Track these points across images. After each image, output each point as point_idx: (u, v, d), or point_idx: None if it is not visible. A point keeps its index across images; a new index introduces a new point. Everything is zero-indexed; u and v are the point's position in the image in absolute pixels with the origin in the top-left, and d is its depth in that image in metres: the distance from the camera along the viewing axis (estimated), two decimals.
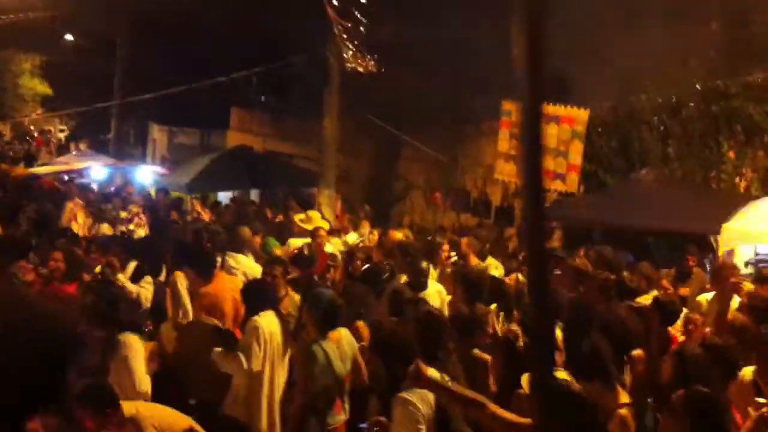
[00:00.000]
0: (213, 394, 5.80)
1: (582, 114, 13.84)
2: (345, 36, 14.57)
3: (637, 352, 5.91)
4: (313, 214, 10.68)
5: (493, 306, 6.45)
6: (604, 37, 12.87)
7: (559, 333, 6.28)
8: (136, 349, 5.41)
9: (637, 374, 5.80)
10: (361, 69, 14.81)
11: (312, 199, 16.44)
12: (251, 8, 18.42)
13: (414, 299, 6.41)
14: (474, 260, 8.39)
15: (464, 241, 8.85)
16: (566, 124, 14.07)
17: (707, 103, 13.45)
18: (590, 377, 4.64)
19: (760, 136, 13.00)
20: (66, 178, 19.06)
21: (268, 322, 5.70)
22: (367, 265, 7.92)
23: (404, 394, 4.19)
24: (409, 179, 17.96)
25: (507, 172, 14.71)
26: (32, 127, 31.98)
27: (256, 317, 5.71)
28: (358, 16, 14.59)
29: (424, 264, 7.50)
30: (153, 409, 4.62)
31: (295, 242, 9.48)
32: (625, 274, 7.42)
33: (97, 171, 20.56)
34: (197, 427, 4.65)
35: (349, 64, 14.87)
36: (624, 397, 4.65)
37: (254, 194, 19.42)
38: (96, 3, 23.46)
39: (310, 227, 9.60)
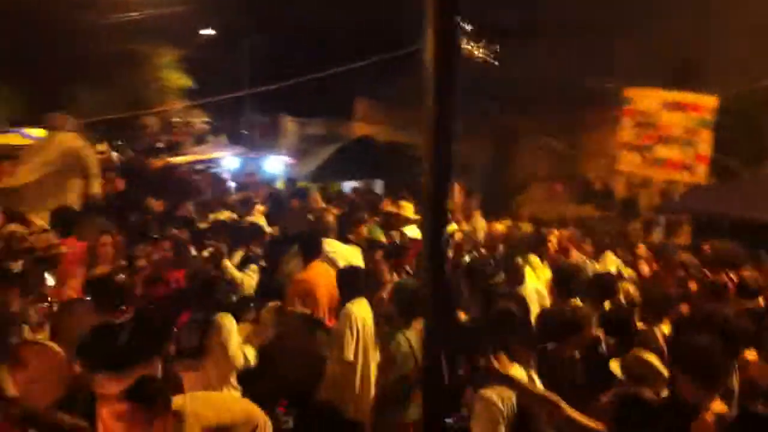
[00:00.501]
0: (306, 379, 5.93)
1: (709, 101, 13.13)
2: (462, 22, 14.40)
3: (749, 354, 5.59)
4: (406, 204, 10.67)
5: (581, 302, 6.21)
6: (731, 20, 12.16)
7: (666, 329, 6.04)
8: (231, 330, 5.60)
9: (747, 378, 5.48)
10: (478, 55, 14.62)
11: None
12: None
13: (506, 294, 6.28)
14: (576, 254, 8.15)
15: (565, 234, 8.63)
16: (693, 112, 13.37)
17: None
18: (694, 378, 4.43)
19: None
20: (200, 168, 19.97)
21: (360, 309, 5.77)
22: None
23: (484, 390, 4.13)
24: (529, 169, 17.63)
25: (630, 162, 14.14)
26: (175, 119, 33.58)
27: (348, 304, 5.80)
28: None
29: (529, 257, 7.38)
30: (206, 403, 4.70)
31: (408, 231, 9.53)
32: (746, 272, 7.01)
33: (229, 161, 21.44)
34: (265, 422, 4.72)
35: (465, 51, 14.70)
36: (719, 406, 4.40)
37: (378, 184, 19.65)
38: None
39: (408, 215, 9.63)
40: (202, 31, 30.85)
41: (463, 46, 15.35)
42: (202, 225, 9.29)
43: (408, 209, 10.46)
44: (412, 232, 9.65)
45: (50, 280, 6.54)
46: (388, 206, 10.98)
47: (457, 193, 15.21)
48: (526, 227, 10.17)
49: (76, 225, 7.78)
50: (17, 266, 6.29)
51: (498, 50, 15.40)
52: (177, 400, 4.45)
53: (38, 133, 18.59)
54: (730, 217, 11.66)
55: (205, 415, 4.47)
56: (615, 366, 4.97)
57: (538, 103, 16.18)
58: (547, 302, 6.85)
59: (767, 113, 13.29)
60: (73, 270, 6.85)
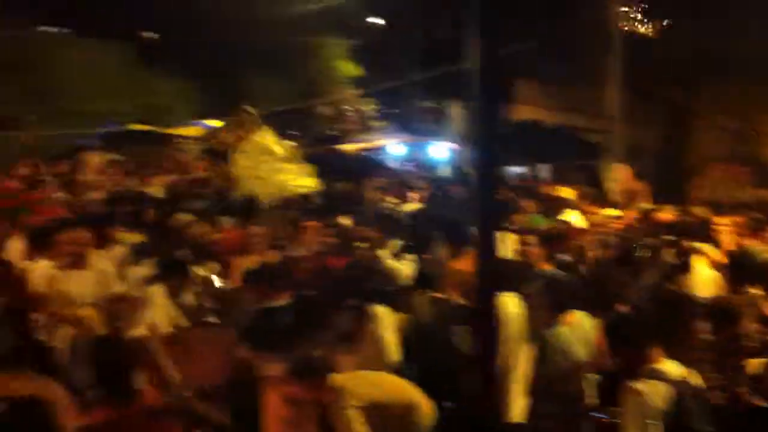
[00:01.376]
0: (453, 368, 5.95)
1: None
2: None
3: None
4: (564, 189, 10.39)
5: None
6: None
7: None
8: (385, 320, 5.75)
9: None
10: (643, 30, 13.95)
11: (599, 174, 15.91)
12: None
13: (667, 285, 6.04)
14: (747, 241, 7.65)
15: (741, 220, 8.11)
16: None
17: None
18: None
19: None
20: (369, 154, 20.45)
21: (506, 302, 5.71)
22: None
23: (635, 384, 4.03)
24: (704, 151, 16.63)
25: None
26: (346, 108, 34.49)
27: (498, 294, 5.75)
28: None
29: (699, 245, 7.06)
30: (366, 382, 4.83)
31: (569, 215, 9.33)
32: None
33: (397, 148, 21.81)
34: (421, 402, 4.79)
35: (629, 26, 14.06)
36: None
37: (545, 169, 19.31)
38: None
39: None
40: (371, 20, 31.49)
41: (628, 23, 14.72)
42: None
43: (567, 194, 10.23)
44: (575, 218, 9.45)
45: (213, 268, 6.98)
46: (547, 191, 10.76)
47: (624, 176, 14.70)
48: (699, 212, 9.62)
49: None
50: (180, 254, 6.77)
51: (665, 24, 14.58)
52: (335, 378, 4.68)
53: (219, 124, 19.81)
54: None
55: (360, 393, 4.67)
56: None
57: (711, 81, 15.23)
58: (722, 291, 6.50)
59: None
60: (236, 257, 7.26)
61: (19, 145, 17.48)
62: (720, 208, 10.56)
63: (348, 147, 21.72)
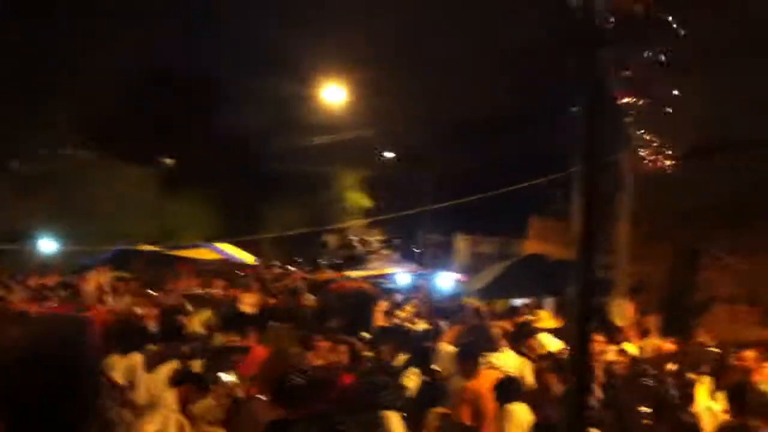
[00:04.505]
0: None
1: None
2: (641, 135, 14.39)
3: None
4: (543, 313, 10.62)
5: None
6: None
7: None
8: (397, 428, 5.82)
9: None
10: (657, 169, 14.46)
11: (605, 307, 16.04)
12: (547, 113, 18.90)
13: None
14: (758, 376, 7.75)
15: (749, 354, 8.24)
16: None
17: None
18: None
19: None
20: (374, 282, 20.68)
21: (521, 411, 5.82)
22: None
23: None
24: (711, 290, 16.80)
25: None
26: (353, 237, 35.07)
27: (508, 405, 5.88)
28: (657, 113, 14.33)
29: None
30: None
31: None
32: None
33: (402, 277, 22.08)
34: None
35: (642, 166, 14.60)
36: None
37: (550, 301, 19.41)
38: (408, 119, 25.71)
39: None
40: (385, 153, 32.58)
41: (641, 163, 15.28)
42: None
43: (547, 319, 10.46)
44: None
45: (229, 377, 7.07)
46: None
47: (629, 311, 14.84)
48: (702, 347, 9.79)
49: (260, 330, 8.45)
50: (197, 365, 6.90)
51: (678, 164, 15.12)
52: None
53: (228, 248, 20.25)
54: None
55: None
56: None
57: (721, 222, 15.60)
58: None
59: None
60: (252, 370, 7.35)
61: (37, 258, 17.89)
62: (726, 347, 10.67)
63: (354, 274, 21.98)
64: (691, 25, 13.09)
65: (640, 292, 16.40)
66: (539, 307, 15.38)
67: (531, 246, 23.28)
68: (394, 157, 33.10)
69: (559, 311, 15.28)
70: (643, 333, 12.40)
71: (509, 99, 21.47)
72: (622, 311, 14.92)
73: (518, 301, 18.18)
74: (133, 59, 23.63)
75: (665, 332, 12.76)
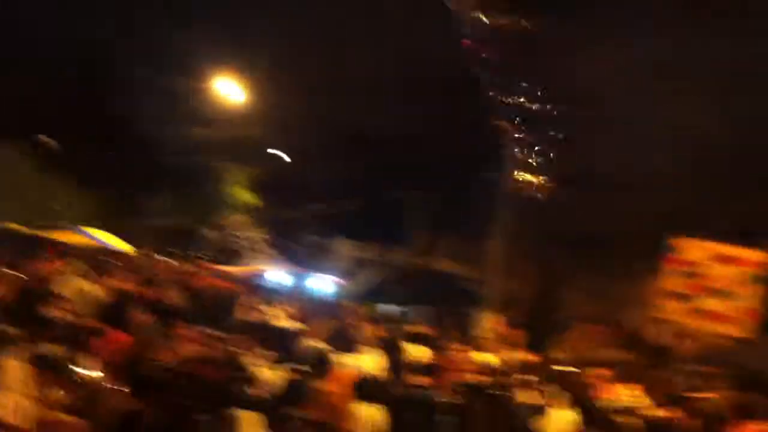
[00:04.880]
0: None
1: (760, 256, 13.16)
2: (520, 157, 14.94)
3: None
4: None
5: None
6: None
7: None
8: (250, 426, 5.81)
9: None
10: (533, 191, 15.06)
11: (470, 321, 16.52)
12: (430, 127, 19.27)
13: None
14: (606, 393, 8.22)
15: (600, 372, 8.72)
16: (743, 266, 13.38)
17: None
18: None
19: None
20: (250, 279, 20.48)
21: (372, 410, 5.94)
22: None
23: None
24: (572, 309, 17.61)
25: (674, 311, 14.06)
26: (235, 232, 34.61)
27: (357, 405, 6.00)
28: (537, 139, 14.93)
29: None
30: None
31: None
32: None
33: (278, 275, 21.97)
34: None
35: (519, 186, 15.19)
36: None
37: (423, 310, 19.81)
38: (298, 119, 25.66)
39: None
40: (273, 151, 32.30)
41: (518, 184, 15.87)
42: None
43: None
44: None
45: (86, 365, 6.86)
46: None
47: (499, 324, 15.35)
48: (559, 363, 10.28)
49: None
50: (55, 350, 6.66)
51: (555, 191, 15.80)
52: None
53: (102, 235, 19.62)
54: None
55: None
56: None
57: (587, 247, 16.36)
58: None
59: None
60: (111, 357, 7.17)
61: None
62: (581, 364, 11.20)
63: (232, 270, 21.73)
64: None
65: (509, 307, 16.97)
66: (414, 315, 15.69)
67: (413, 257, 23.69)
68: (284, 158, 32.89)
69: (432, 321, 15.66)
70: (511, 345, 12.81)
71: (398, 112, 21.77)
72: (490, 324, 15.42)
73: (392, 308, 18.52)
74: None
75: (528, 347, 13.23)
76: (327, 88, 23.37)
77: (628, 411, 7.76)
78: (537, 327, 16.40)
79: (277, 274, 21.87)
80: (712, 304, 13.53)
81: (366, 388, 6.20)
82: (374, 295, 16.83)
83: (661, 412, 8.38)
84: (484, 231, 16.96)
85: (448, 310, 16.87)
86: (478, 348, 10.94)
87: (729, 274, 13.42)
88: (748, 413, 7.16)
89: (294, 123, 26.50)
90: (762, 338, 13.13)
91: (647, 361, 14.22)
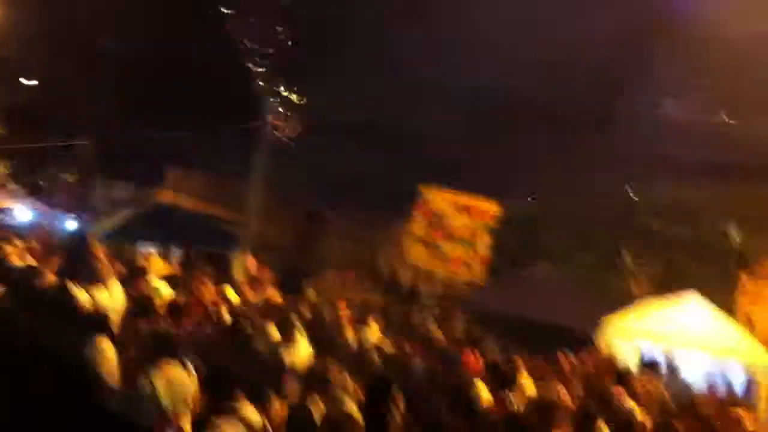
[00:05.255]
0: None
1: (492, 207, 14.41)
2: (276, 101, 15.02)
3: None
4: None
5: None
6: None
7: None
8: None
9: None
10: (288, 136, 15.22)
11: (224, 262, 16.50)
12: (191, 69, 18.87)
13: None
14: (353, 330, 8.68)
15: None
16: (478, 216, 14.57)
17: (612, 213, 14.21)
18: None
19: (659, 247, 13.67)
20: None
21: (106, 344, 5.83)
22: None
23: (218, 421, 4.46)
24: (326, 254, 18.17)
25: (419, 256, 15.08)
26: None
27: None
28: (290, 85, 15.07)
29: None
30: None
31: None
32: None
33: (21, 212, 20.55)
34: None
35: (276, 131, 15.29)
36: None
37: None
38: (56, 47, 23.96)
39: None
40: (23, 80, 29.73)
41: (275, 128, 15.93)
42: None
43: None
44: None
45: None
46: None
47: (251, 266, 15.48)
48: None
49: None
50: None
51: (313, 135, 16.06)
52: None
53: None
54: (496, 314, 12.61)
55: None
56: None
57: (344, 192, 16.86)
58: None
59: (535, 223, 14.74)
60: None
61: None
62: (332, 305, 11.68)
63: None
64: None
65: (265, 250, 17.16)
66: (162, 254, 15.37)
67: (167, 196, 23.07)
68: (34, 85, 30.35)
69: (184, 261, 15.47)
70: (262, 287, 12.98)
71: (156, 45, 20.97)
72: (244, 265, 15.50)
73: (143, 247, 17.99)
74: None
75: (282, 289, 13.49)
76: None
77: (372, 348, 8.25)
78: (293, 270, 16.78)
79: (19, 210, 20.41)
80: (452, 249, 14.66)
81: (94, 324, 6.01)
82: (126, 234, 16.19)
83: (401, 348, 9.01)
84: (243, 174, 16.95)
85: (202, 251, 16.71)
86: (229, 289, 11.00)
87: (468, 223, 14.54)
88: (475, 345, 7.94)
89: (47, 50, 24.65)
90: (489, 281, 14.39)
91: (396, 302, 15.14)
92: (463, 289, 14.32)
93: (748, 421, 5.91)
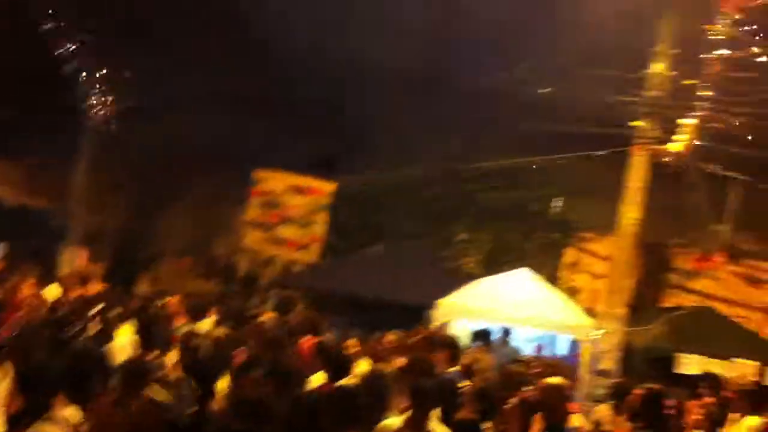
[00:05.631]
0: None
1: (328, 186, 14.47)
2: (94, 81, 14.32)
3: None
4: None
5: None
6: None
7: None
8: None
9: None
10: (107, 117, 14.59)
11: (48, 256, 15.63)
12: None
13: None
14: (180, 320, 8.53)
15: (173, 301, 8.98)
16: (312, 196, 14.62)
17: (446, 185, 14.57)
18: None
19: (488, 220, 14.21)
20: None
21: None
22: None
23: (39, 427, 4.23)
24: (163, 242, 17.56)
25: (255, 240, 14.94)
26: None
27: None
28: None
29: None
30: None
31: None
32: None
33: None
34: None
35: (96, 111, 14.61)
36: None
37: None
38: None
39: None
40: None
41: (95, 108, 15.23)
42: None
43: None
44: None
45: None
46: None
47: (80, 259, 14.79)
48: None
49: None
50: None
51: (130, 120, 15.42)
52: None
53: None
54: (334, 293, 12.71)
55: None
56: None
57: (177, 176, 16.31)
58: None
59: (381, 201, 14.92)
60: None
61: None
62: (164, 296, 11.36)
63: None
64: None
65: (94, 241, 16.40)
66: None
67: None
68: None
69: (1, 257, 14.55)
70: (88, 280, 12.42)
71: None
72: (73, 258, 14.78)
73: None
74: None
75: (113, 281, 12.93)
76: None
77: (200, 336, 8.10)
78: (124, 261, 16.12)
79: None
80: (288, 232, 14.65)
81: None
82: None
83: (233, 337, 8.90)
84: (67, 161, 16.07)
85: (23, 245, 15.73)
86: (52, 284, 10.46)
87: (303, 203, 14.55)
88: (314, 330, 7.99)
89: None
90: (325, 262, 14.49)
91: (232, 289, 14.88)
92: (302, 272, 14.28)
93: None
